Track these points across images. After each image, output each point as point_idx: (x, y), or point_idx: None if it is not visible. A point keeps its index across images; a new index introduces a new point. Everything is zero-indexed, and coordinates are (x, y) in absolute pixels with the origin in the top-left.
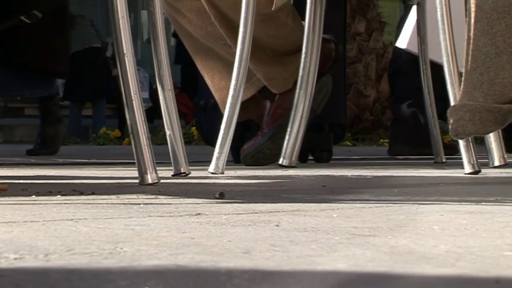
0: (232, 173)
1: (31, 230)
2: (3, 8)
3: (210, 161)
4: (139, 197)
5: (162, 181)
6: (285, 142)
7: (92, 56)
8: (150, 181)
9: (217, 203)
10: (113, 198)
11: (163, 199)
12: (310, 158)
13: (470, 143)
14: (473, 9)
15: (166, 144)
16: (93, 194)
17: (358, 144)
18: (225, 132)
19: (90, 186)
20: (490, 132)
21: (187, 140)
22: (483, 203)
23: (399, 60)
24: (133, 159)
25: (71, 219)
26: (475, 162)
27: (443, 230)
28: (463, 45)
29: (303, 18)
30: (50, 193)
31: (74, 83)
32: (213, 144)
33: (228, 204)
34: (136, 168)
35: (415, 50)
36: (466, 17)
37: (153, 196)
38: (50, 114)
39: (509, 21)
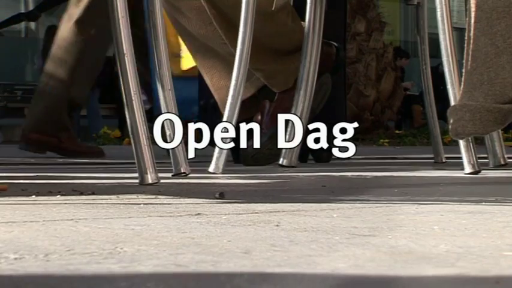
0: (232, 173)
1: (31, 230)
2: None
3: (210, 161)
4: (139, 197)
5: (162, 181)
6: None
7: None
8: (150, 181)
9: (217, 203)
10: (113, 198)
11: (163, 199)
12: (310, 158)
13: (470, 143)
14: (473, 9)
15: None
16: (93, 194)
17: (358, 144)
18: None
19: (90, 186)
20: (490, 132)
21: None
22: (483, 203)
23: None
24: (134, 159)
25: (71, 219)
26: (475, 162)
27: (443, 230)
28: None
29: (303, 19)
30: (50, 193)
31: None
32: (213, 144)
33: (228, 204)
34: (136, 168)
35: None
36: (466, 17)
37: (153, 196)
38: None
39: (509, 21)
